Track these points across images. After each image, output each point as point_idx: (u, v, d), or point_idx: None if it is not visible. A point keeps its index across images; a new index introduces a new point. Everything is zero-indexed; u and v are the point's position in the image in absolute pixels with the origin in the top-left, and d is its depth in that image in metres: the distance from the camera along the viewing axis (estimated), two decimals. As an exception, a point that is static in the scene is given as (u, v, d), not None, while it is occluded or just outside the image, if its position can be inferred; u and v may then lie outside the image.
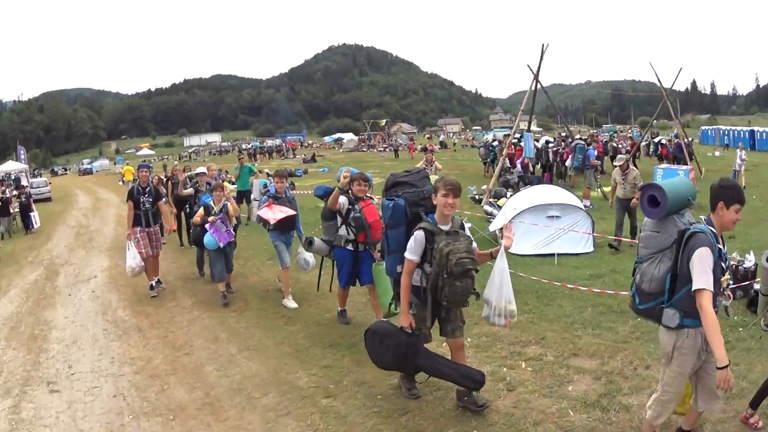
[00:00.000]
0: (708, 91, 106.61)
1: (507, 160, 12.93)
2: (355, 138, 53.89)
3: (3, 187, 19.53)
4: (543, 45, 11.02)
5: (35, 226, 14.87)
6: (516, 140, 13.45)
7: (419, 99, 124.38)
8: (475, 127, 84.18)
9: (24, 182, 28.56)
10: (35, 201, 23.13)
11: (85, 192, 28.83)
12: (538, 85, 11.46)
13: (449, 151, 34.75)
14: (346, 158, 34.46)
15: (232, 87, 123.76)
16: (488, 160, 16.06)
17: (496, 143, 16.64)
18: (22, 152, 37.89)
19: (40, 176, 40.18)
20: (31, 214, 14.01)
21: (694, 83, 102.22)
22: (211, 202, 5.17)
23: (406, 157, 29.68)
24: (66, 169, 61.91)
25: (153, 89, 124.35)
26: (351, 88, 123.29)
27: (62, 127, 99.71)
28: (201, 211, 5.18)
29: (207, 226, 4.95)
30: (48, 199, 24.91)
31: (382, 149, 41.00)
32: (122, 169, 30.31)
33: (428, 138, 56.60)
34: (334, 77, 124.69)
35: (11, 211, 14.21)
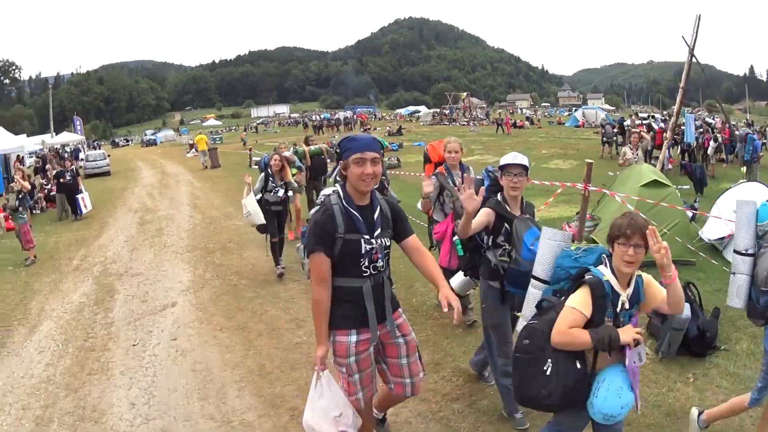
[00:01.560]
0: (765, 77, 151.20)
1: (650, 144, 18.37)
2: (429, 111, 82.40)
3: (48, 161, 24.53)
4: (697, 16, 14.22)
5: (84, 210, 16.96)
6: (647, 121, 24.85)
7: (487, 74, 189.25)
8: (543, 104, 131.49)
9: (81, 155, 37.78)
10: (91, 176, 29.37)
11: (150, 165, 35.92)
12: (693, 60, 14.99)
13: (536, 128, 51.63)
14: (432, 131, 50.07)
15: (298, 59, 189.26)
16: (612, 139, 24.62)
17: (627, 123, 24.82)
18: (78, 123, 54.27)
19: (99, 148, 52.84)
20: (79, 196, 16.74)
21: (751, 68, 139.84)
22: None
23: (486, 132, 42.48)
24: (128, 141, 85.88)
25: (217, 61, 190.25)
26: (419, 61, 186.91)
27: (123, 98, 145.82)
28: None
29: None
30: (106, 173, 31.04)
31: (465, 122, 62.19)
32: (194, 138, 38.20)
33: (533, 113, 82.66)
34: (401, 50, 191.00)
35: (36, 195, 18.19)
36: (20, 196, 11.98)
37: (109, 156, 34.44)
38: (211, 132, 66.95)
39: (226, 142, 52.73)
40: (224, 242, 11.84)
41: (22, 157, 31.42)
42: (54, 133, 50.48)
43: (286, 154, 10.10)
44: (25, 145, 35.71)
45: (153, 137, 73.49)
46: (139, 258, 11.00)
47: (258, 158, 29.85)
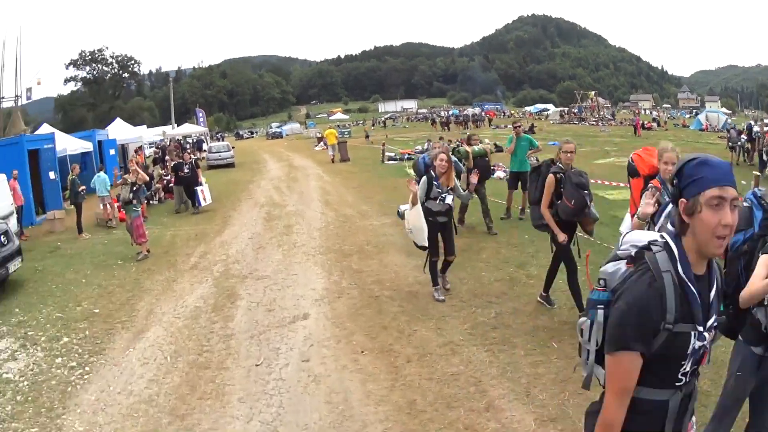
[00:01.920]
0: None
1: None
2: (557, 109, 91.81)
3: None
4: None
5: (203, 203, 17.57)
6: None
7: (610, 73, 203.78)
8: (665, 105, 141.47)
9: (205, 146, 40.95)
10: (215, 167, 31.66)
11: (276, 158, 37.94)
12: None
13: (663, 130, 53.40)
14: (562, 130, 54.41)
15: (424, 54, 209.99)
16: (737, 145, 26.40)
17: (756, 129, 26.15)
18: (200, 115, 59.71)
19: (222, 139, 58.02)
20: (198, 188, 17.65)
21: None
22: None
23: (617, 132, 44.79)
24: (252, 133, 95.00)
25: (342, 56, 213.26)
26: (543, 59, 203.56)
27: (247, 91, 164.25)
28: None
29: None
30: (230, 165, 32.86)
31: (594, 122, 68.17)
32: (322, 132, 41.60)
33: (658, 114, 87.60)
34: (526, 47, 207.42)
35: (153, 186, 19.30)
36: (134, 188, 12.24)
37: (233, 148, 36.46)
38: (339, 126, 70.64)
39: (354, 136, 55.03)
40: (361, 244, 11.42)
41: (142, 147, 34.08)
42: (175, 125, 55.27)
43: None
44: (144, 135, 38.96)
45: (278, 130, 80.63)
46: (266, 258, 10.86)
47: (392, 153, 32.20)
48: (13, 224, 13.85)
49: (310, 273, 9.67)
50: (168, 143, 44.47)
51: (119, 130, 34.66)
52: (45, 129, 27.20)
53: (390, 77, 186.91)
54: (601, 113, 74.97)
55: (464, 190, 8.12)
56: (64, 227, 16.06)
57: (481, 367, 5.84)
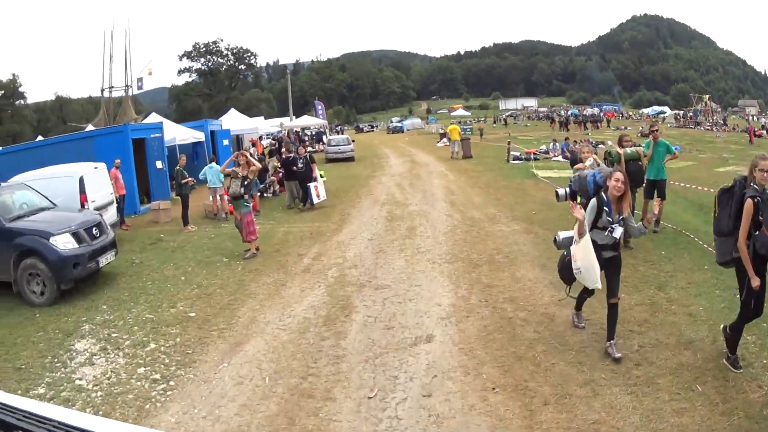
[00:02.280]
0: None
1: None
2: (671, 112, 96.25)
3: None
4: None
5: (316, 201, 17.47)
6: None
7: (719, 76, 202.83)
8: None
9: (325, 138, 42.18)
10: (334, 161, 32.51)
11: (397, 153, 38.40)
12: None
13: None
14: (680, 134, 56.04)
15: (543, 52, 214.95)
16: None
17: None
18: (319, 107, 60.95)
19: (342, 132, 59.72)
20: (312, 185, 17.50)
21: None
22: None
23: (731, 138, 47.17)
24: (373, 127, 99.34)
25: (462, 52, 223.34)
26: (657, 60, 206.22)
27: (367, 85, 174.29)
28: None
29: None
30: (350, 159, 33.31)
31: (708, 127, 70.75)
32: (445, 127, 42.93)
33: None
34: (640, 48, 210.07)
35: (268, 178, 19.86)
36: (245, 182, 12.02)
37: (353, 141, 36.88)
38: (460, 122, 71.28)
39: (476, 133, 55.05)
40: (491, 253, 10.75)
41: (261, 137, 34.81)
42: (294, 117, 57.30)
43: (588, 163, 9.45)
44: (261, 127, 40.10)
45: (399, 124, 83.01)
46: (387, 264, 10.34)
47: (517, 153, 32.72)
48: (112, 214, 14.19)
49: (435, 285, 9.02)
50: (286, 135, 46.20)
51: (233, 121, 35.81)
52: (153, 118, 28.47)
53: (510, 75, 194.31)
54: (714, 118, 77.17)
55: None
56: (169, 218, 16.40)
57: (624, 413, 5.37)
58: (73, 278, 9.54)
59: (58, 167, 14.57)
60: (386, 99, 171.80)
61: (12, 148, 24.15)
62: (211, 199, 16.78)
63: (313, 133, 51.88)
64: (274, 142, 35.77)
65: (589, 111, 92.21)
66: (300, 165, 17.35)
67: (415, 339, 6.95)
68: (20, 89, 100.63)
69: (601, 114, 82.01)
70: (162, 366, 6.47)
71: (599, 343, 6.69)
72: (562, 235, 6.92)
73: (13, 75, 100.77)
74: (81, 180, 13.44)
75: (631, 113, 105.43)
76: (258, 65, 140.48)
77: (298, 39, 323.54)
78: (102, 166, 14.64)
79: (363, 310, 8.00)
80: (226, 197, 15.77)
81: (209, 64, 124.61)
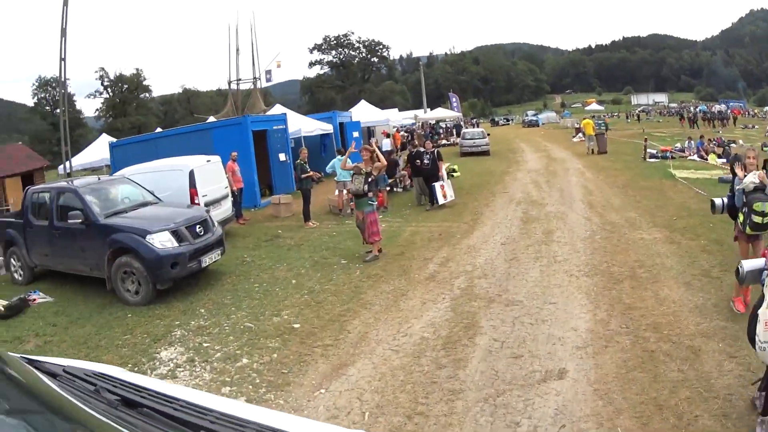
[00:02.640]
0: None
1: None
2: None
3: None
4: None
5: (442, 201, 16.46)
6: None
7: None
8: None
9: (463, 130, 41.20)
10: (468, 154, 32.04)
11: (533, 147, 37.56)
12: None
13: None
14: None
15: (670, 47, 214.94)
16: None
17: None
18: (454, 100, 61.33)
19: (477, 125, 59.06)
20: (437, 184, 16.46)
21: None
22: None
23: None
24: (508, 120, 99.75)
25: (593, 45, 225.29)
26: None
27: (501, 78, 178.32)
28: None
29: None
30: (485, 153, 32.63)
31: None
32: (580, 122, 42.38)
33: None
34: (759, 43, 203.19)
35: (399, 172, 19.27)
36: (369, 178, 11.12)
37: (488, 135, 36.14)
38: (593, 116, 69.46)
39: (611, 128, 53.24)
40: (633, 266, 9.46)
41: (398, 129, 34.62)
42: (428, 109, 57.03)
43: (749, 179, 7.38)
44: (392, 118, 39.67)
45: (534, 118, 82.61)
46: (520, 274, 9.26)
47: (653, 150, 31.83)
48: (226, 209, 13.90)
49: (572, 303, 7.87)
50: (420, 127, 46.17)
51: (364, 112, 35.58)
52: (278, 110, 28.30)
53: (640, 69, 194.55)
54: None
55: None
56: (290, 213, 16.02)
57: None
58: (170, 278, 9.16)
59: (169, 160, 14.42)
60: (520, 92, 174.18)
61: (128, 140, 24.72)
62: (336, 193, 16.16)
63: (449, 125, 51.89)
64: (406, 134, 35.11)
65: (716, 108, 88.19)
66: (426, 161, 16.41)
67: (545, 373, 5.93)
68: (144, 83, 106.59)
69: (728, 111, 78.98)
70: (251, 387, 5.80)
71: (748, 390, 5.51)
72: (748, 266, 5.31)
73: (137, 69, 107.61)
74: (191, 174, 13.07)
75: (755, 111, 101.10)
76: (391, 58, 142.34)
77: (432, 31, 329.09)
78: (216, 159, 14.31)
79: (489, 331, 6.99)
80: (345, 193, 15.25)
81: (341, 56, 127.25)
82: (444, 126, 52.43)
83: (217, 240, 10.14)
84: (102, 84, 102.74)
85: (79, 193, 10.04)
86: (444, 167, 17.56)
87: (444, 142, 44.99)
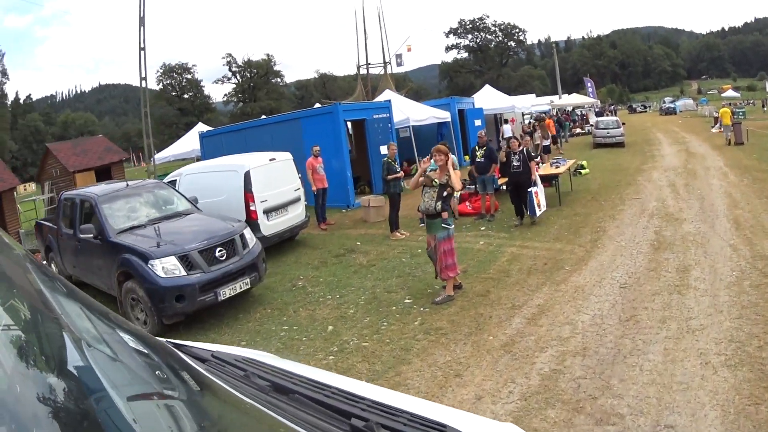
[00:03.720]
0: None
1: None
2: None
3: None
4: None
5: (537, 213, 12.98)
6: None
7: None
8: None
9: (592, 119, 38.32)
10: (601, 145, 28.65)
11: (670, 138, 33.47)
12: None
13: None
14: None
15: None
16: None
17: None
18: (589, 85, 57.89)
19: (613, 113, 54.30)
20: (532, 190, 13.01)
21: None
22: None
23: None
24: (645, 107, 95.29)
25: (726, 28, 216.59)
26: None
27: (638, 63, 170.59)
28: None
29: None
30: (619, 145, 28.91)
31: None
32: (718, 111, 37.91)
33: None
34: None
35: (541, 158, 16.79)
36: (444, 194, 7.98)
37: (623, 124, 31.69)
38: (730, 104, 63.72)
39: (748, 117, 47.37)
40: None
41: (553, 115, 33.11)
42: (562, 95, 53.68)
43: None
44: (525, 104, 36.42)
45: (672, 105, 77.49)
46: (634, 354, 6.00)
47: None
48: (294, 215, 11.78)
49: (701, 425, 4.64)
50: (555, 113, 42.86)
51: (488, 98, 31.46)
52: (386, 96, 25.17)
53: None
54: None
55: None
56: (381, 217, 13.60)
57: None
58: (176, 313, 7.25)
59: (228, 158, 12.74)
60: (658, 78, 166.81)
61: (218, 130, 23.01)
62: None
63: (583, 112, 48.60)
64: (533, 122, 30.97)
65: None
66: (515, 163, 12.73)
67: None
68: (275, 68, 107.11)
69: None
70: None
71: None
72: None
73: (268, 55, 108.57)
74: (247, 175, 11.01)
75: None
76: (528, 42, 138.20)
77: (569, 15, 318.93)
78: (284, 156, 12.11)
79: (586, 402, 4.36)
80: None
81: (477, 40, 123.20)
82: (580, 113, 48.74)
83: (249, 264, 7.96)
84: (230, 69, 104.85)
85: (96, 202, 8.34)
86: (542, 169, 14.51)
87: (578, 130, 41.54)
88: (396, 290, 8.47)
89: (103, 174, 26.22)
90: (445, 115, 22.93)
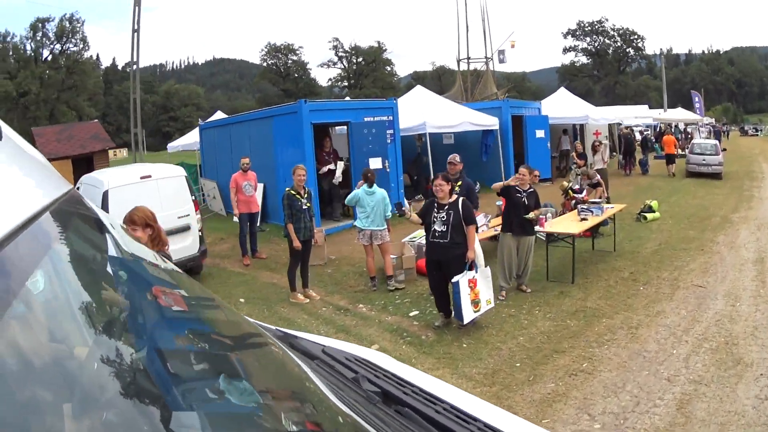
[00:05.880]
0: None
1: None
2: None
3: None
4: None
5: (466, 319, 7.62)
6: None
7: None
8: None
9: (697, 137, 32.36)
10: (695, 174, 22.83)
11: None
12: None
13: None
14: None
15: None
16: None
17: None
18: (697, 100, 51.43)
19: (728, 134, 49.79)
20: (460, 278, 9.42)
21: None
22: None
23: None
24: (758, 130, 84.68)
25: None
26: None
27: (755, 83, 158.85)
28: None
29: None
30: (716, 176, 22.93)
31: None
32: None
33: None
34: None
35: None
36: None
37: (724, 150, 25.20)
38: None
39: None
40: None
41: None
42: (666, 109, 48.76)
43: None
44: (592, 116, 28.63)
45: None
46: None
47: None
48: (185, 246, 8.80)
49: None
50: (659, 128, 37.66)
51: (561, 105, 24.93)
52: (417, 92, 20.90)
53: None
54: None
55: None
56: (320, 259, 10.03)
57: None
58: None
59: (103, 172, 9.98)
60: None
61: (212, 123, 19.75)
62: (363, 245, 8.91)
63: (689, 130, 41.67)
64: (596, 143, 25.12)
65: None
66: (439, 228, 7.28)
67: None
68: (384, 56, 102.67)
69: None
70: None
71: None
72: None
73: (378, 42, 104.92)
74: (105, 197, 7.79)
75: None
76: (646, 50, 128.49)
77: (690, 28, 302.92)
78: (169, 173, 8.87)
79: None
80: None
81: (595, 44, 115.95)
82: (682, 130, 41.97)
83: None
84: (336, 54, 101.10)
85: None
86: (556, 222, 10.64)
87: (678, 152, 34.76)
88: None
89: (83, 163, 23.12)
90: (490, 122, 17.81)
